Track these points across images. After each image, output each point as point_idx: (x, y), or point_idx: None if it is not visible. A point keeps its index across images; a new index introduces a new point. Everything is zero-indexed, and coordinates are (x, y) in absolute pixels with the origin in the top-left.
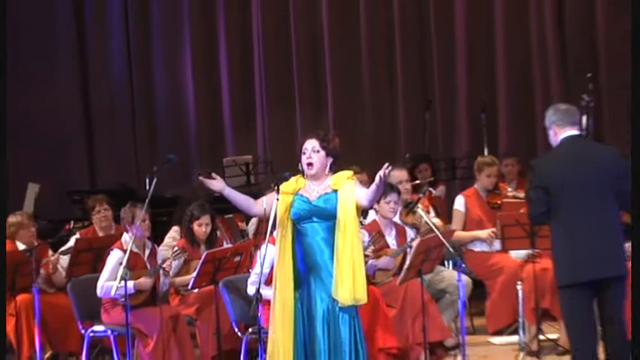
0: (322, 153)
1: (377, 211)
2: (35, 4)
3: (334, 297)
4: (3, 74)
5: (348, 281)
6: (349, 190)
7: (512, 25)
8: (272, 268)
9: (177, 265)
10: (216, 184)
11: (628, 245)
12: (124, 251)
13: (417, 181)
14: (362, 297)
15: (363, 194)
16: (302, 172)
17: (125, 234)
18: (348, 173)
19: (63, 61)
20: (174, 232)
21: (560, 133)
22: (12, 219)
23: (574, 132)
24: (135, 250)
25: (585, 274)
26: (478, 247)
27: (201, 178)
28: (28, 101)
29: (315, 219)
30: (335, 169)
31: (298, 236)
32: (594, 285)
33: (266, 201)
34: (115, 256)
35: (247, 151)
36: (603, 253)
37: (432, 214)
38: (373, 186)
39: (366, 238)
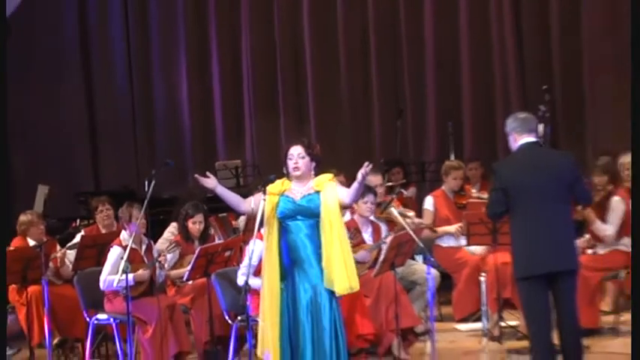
0: (307, 158)
1: (352, 212)
2: (45, 26)
3: (330, 288)
4: (3, 83)
5: (341, 272)
6: (331, 191)
7: (475, 43)
8: (260, 261)
9: (172, 258)
10: (210, 182)
11: (581, 241)
12: (123, 247)
13: (390, 183)
14: (356, 285)
15: (344, 193)
16: (286, 175)
17: (123, 231)
18: (329, 176)
19: (70, 76)
20: (172, 228)
21: (518, 139)
22: (23, 218)
23: (531, 139)
24: (133, 246)
25: (538, 268)
26: (445, 243)
27: (196, 176)
28: (39, 112)
29: (299, 217)
30: (316, 172)
31: (283, 233)
32: (548, 278)
33: (253, 200)
34: (115, 252)
35: (237, 156)
36: (555, 249)
37: (412, 213)
38: (355, 184)
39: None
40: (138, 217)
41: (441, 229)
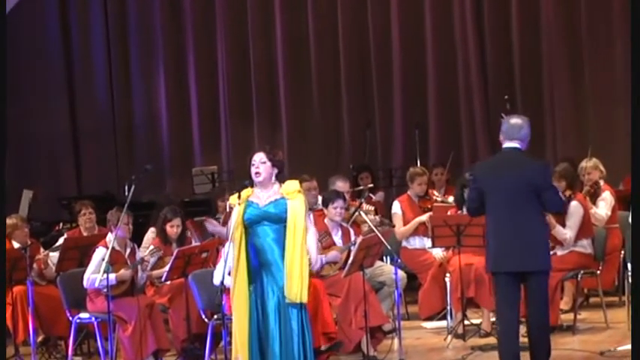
0: (268, 164)
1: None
2: (29, 40)
3: (286, 295)
4: (3, 90)
5: (297, 284)
6: (300, 205)
7: (440, 56)
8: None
9: (153, 261)
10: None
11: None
12: (107, 248)
13: (360, 187)
14: (304, 298)
15: (311, 239)
16: (251, 182)
17: (110, 234)
18: (296, 186)
19: (54, 87)
20: (151, 233)
21: (503, 143)
22: (8, 221)
23: (513, 144)
24: (117, 248)
25: (506, 265)
26: (411, 245)
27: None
28: (25, 122)
29: (265, 222)
30: (283, 178)
31: (251, 237)
32: (517, 275)
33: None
34: (100, 253)
35: (213, 162)
36: (524, 250)
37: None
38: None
39: None
40: (125, 222)
41: (413, 223)
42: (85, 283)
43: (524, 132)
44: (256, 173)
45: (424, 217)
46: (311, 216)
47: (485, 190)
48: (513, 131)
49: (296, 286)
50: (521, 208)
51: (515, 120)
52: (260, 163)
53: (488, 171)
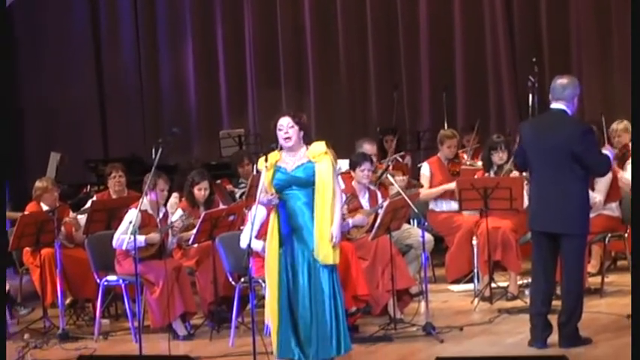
0: (296, 128)
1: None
2: (56, 3)
3: (316, 257)
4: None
5: (328, 246)
6: (327, 166)
7: (468, 17)
8: (261, 225)
9: (183, 226)
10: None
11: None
12: (140, 211)
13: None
14: (337, 260)
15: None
16: (278, 147)
17: (144, 196)
18: (323, 148)
19: (81, 50)
20: (174, 199)
21: (551, 103)
22: (38, 184)
23: (557, 105)
24: (149, 211)
25: (536, 224)
26: (439, 208)
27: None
28: (52, 86)
29: (294, 187)
30: (309, 139)
31: (282, 202)
32: (549, 236)
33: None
34: (131, 214)
35: (240, 125)
36: (557, 211)
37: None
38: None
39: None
40: (162, 188)
41: (439, 188)
42: (114, 243)
43: (568, 92)
44: (286, 138)
45: (452, 185)
46: (339, 178)
47: (527, 149)
48: (557, 91)
49: (326, 248)
50: (560, 170)
51: (561, 80)
52: (288, 128)
53: (530, 130)
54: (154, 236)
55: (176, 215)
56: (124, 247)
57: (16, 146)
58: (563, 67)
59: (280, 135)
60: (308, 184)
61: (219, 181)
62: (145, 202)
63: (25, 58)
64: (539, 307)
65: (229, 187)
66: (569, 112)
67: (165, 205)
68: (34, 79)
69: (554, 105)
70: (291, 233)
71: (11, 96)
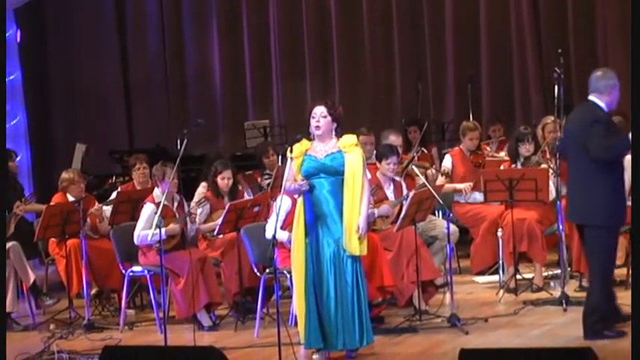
0: (329, 118)
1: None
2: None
3: (346, 248)
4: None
5: (355, 237)
6: (357, 157)
7: (493, 8)
8: (286, 216)
9: (203, 213)
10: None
11: None
12: (155, 204)
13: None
14: (365, 251)
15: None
16: (309, 135)
17: (156, 189)
18: (354, 140)
19: (106, 40)
20: (202, 188)
21: (589, 95)
22: (65, 175)
23: (591, 97)
24: (165, 202)
25: (569, 215)
26: (464, 199)
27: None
28: (77, 76)
29: (322, 175)
30: (339, 132)
31: (307, 190)
32: (579, 227)
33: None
34: (147, 209)
35: (265, 116)
36: (580, 202)
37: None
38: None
39: None
40: (170, 176)
41: (450, 186)
42: (135, 241)
43: (601, 84)
44: (316, 127)
45: (461, 187)
46: (367, 172)
47: (564, 138)
48: (591, 84)
49: (355, 240)
50: (580, 161)
51: (597, 72)
52: (321, 117)
53: (567, 122)
54: (174, 227)
55: (192, 203)
56: (148, 240)
57: (43, 137)
58: (589, 59)
59: (312, 122)
60: (337, 173)
61: (249, 172)
62: (159, 193)
63: (51, 49)
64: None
65: (260, 180)
66: (601, 103)
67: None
68: (60, 70)
69: (590, 97)
70: (316, 221)
71: (39, 87)
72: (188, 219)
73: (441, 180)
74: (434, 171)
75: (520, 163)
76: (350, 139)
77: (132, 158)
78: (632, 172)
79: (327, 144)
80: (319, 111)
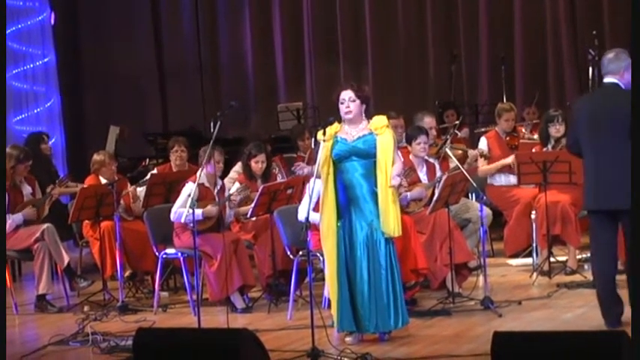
0: (358, 101)
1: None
2: None
3: (383, 230)
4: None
5: (394, 218)
6: (388, 138)
7: None
8: (319, 198)
9: (240, 199)
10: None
11: None
12: (198, 185)
13: (445, 125)
14: (400, 232)
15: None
16: (339, 118)
17: (200, 170)
18: (384, 121)
19: (140, 23)
20: (238, 167)
21: (604, 78)
22: (96, 157)
23: (607, 79)
24: (206, 184)
25: (595, 203)
26: (497, 182)
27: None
28: (111, 58)
29: (354, 158)
30: (370, 113)
31: (339, 173)
32: (610, 214)
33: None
34: (189, 187)
35: (298, 99)
36: (613, 186)
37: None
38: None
39: None
40: (218, 160)
41: (497, 164)
42: (172, 216)
43: (614, 65)
44: (347, 112)
45: (509, 160)
46: (399, 152)
47: (581, 127)
48: (604, 66)
49: (392, 221)
50: (614, 144)
51: (608, 54)
52: (350, 102)
53: (585, 108)
54: (212, 209)
55: (233, 188)
56: (182, 220)
57: (77, 119)
58: (624, 40)
59: (342, 108)
60: (369, 155)
61: (292, 155)
62: (202, 175)
63: (85, 32)
64: (603, 289)
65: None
66: (621, 84)
67: (222, 178)
68: (94, 53)
69: (606, 79)
70: (349, 205)
71: (73, 70)
72: (227, 204)
73: (480, 162)
74: (475, 151)
75: (551, 146)
76: (381, 120)
77: (171, 140)
78: (632, 171)
79: (357, 126)
80: (347, 95)
